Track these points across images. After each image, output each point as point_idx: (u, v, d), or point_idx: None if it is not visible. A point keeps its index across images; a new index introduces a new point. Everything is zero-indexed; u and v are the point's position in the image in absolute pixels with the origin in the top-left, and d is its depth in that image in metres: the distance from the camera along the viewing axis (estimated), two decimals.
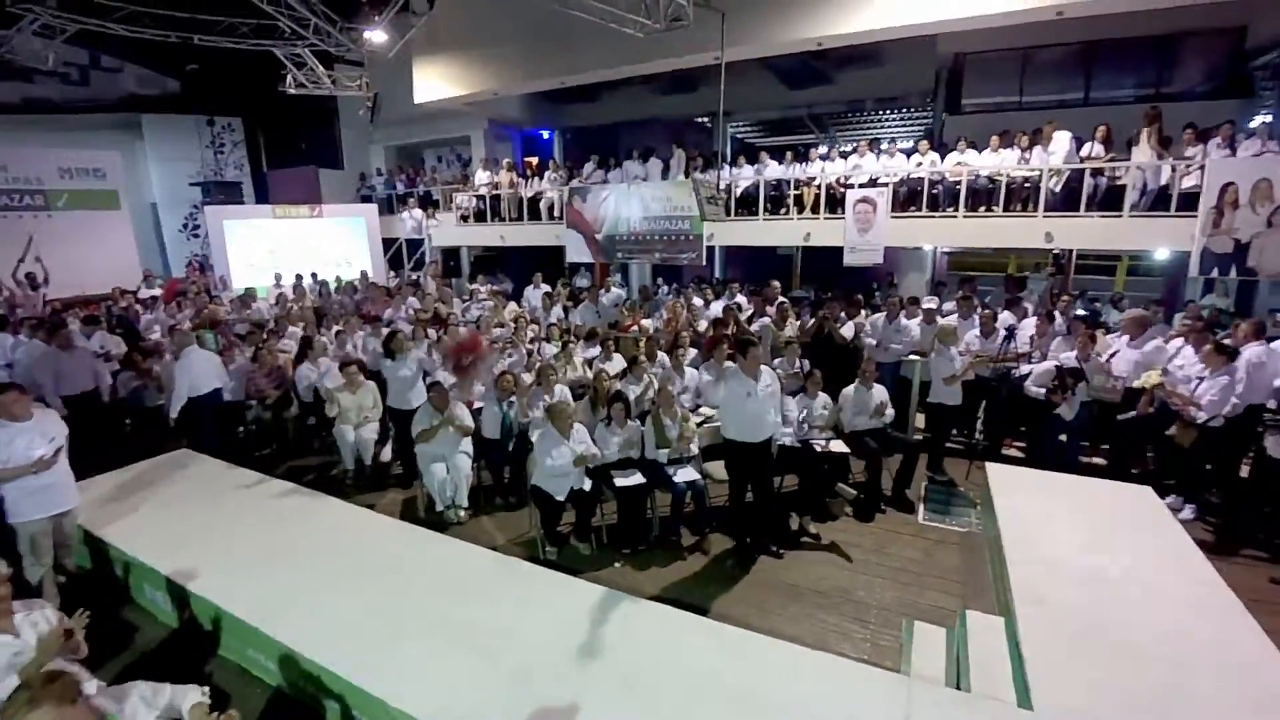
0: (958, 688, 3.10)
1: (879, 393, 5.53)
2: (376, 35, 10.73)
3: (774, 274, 9.32)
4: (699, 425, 5.38)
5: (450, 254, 15.02)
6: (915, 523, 5.08)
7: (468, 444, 5.48)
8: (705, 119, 15.17)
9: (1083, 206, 8.24)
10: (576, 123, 16.03)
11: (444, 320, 8.38)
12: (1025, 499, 4.17)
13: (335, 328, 8.16)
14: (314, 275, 12.12)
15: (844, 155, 10.29)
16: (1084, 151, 8.40)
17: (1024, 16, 8.30)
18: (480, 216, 13.35)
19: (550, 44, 11.01)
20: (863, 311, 7.52)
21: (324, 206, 14.17)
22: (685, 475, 4.87)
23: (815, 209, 9.79)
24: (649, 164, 11.54)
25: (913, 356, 6.39)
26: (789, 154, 10.45)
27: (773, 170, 10.40)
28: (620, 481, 4.80)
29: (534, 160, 15.16)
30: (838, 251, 9.54)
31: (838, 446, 5.21)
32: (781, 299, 7.79)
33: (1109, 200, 8.22)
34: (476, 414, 5.69)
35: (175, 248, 15.56)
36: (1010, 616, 3.30)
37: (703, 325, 7.74)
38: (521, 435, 5.55)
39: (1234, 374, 4.91)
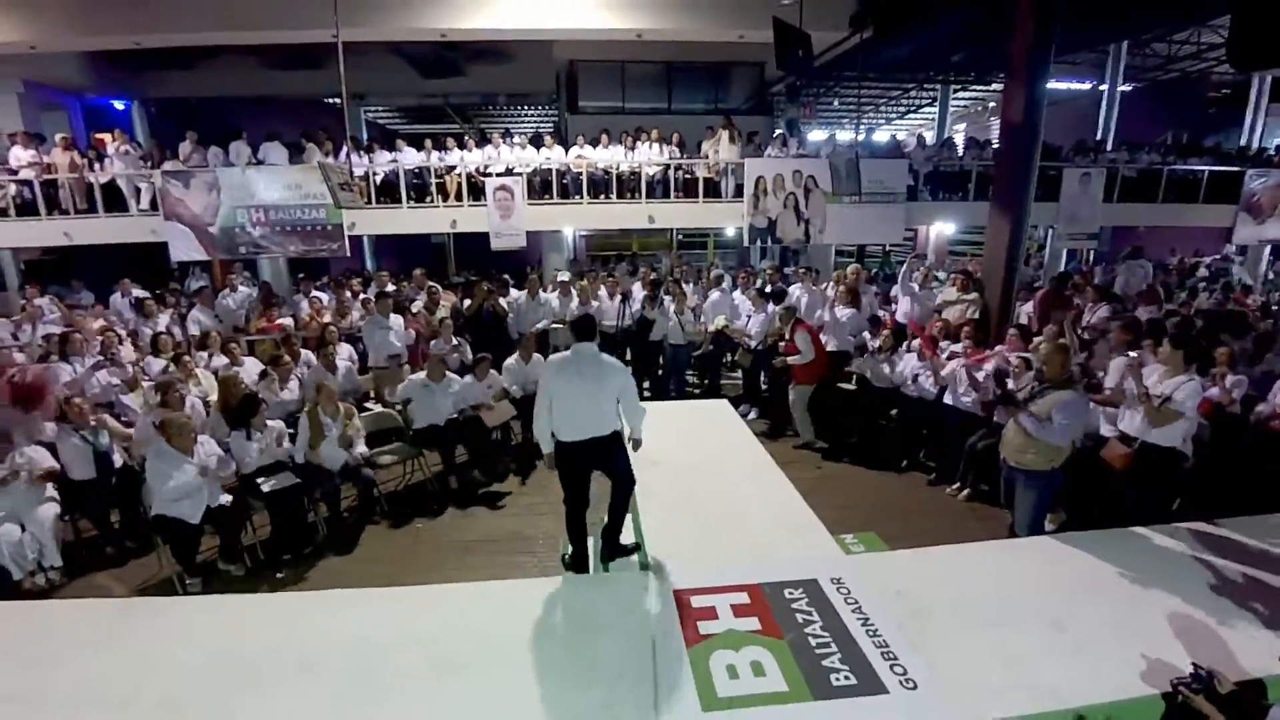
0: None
1: (538, 363, 6.14)
2: None
3: (428, 262, 9.33)
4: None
5: None
6: None
7: (48, 496, 4.34)
8: (335, 100, 14.05)
9: (671, 194, 10.41)
10: (165, 93, 13.27)
11: None
12: (648, 422, 5.23)
13: None
14: None
15: (480, 146, 10.75)
16: (668, 153, 10.54)
17: (612, 35, 10.03)
18: (28, 209, 10.10)
19: None
20: (511, 290, 8.12)
21: None
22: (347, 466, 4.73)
23: (459, 197, 10.09)
24: (267, 146, 10.17)
25: (555, 325, 7.23)
26: (428, 142, 10.48)
27: (410, 157, 10.30)
28: (268, 486, 4.43)
29: (106, 137, 11.99)
30: (487, 237, 10.06)
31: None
32: (431, 285, 7.92)
33: (689, 190, 10.50)
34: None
35: None
36: (635, 509, 4.20)
37: (356, 315, 7.42)
38: (128, 469, 4.64)
39: (768, 312, 6.87)
